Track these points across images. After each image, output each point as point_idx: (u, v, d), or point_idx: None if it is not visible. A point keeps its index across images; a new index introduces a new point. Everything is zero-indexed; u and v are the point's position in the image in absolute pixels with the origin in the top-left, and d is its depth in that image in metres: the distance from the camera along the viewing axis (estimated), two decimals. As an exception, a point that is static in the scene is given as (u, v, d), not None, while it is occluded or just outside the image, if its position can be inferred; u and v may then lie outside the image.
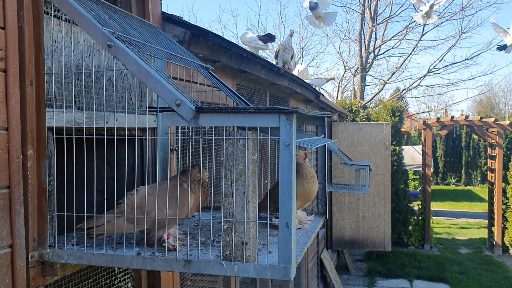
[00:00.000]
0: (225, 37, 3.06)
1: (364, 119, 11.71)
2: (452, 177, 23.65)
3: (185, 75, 2.41)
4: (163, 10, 2.45)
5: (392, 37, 18.86)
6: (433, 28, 18.26)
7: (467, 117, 11.89)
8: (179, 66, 2.27)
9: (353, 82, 19.41)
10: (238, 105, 2.00)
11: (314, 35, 30.38)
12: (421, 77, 18.68)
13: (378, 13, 18.64)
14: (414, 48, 18.44)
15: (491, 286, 9.11)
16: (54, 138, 1.62)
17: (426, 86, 20.03)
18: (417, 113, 24.06)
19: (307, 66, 11.11)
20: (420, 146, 12.91)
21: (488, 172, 12.22)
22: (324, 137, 2.34)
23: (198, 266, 1.46)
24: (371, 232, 9.44)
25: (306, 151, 2.26)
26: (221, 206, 1.45)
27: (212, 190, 2.83)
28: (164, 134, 2.18)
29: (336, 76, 20.29)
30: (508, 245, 11.33)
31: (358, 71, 18.89)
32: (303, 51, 20.68)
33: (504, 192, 11.40)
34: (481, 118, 11.63)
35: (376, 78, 20.42)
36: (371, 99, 18.74)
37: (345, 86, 20.60)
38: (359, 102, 14.40)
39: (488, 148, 12.18)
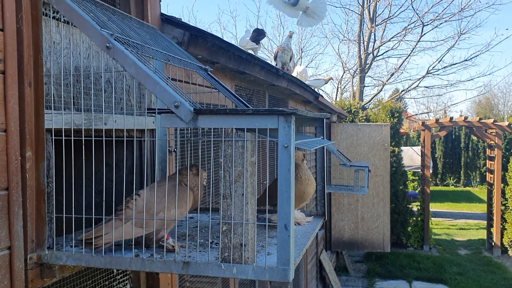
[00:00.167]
0: (224, 38, 3.06)
1: (363, 120, 11.71)
2: (451, 178, 23.67)
3: (184, 76, 2.41)
4: (162, 12, 2.45)
5: (391, 38, 18.89)
6: (432, 29, 18.29)
7: (466, 118, 11.91)
8: (178, 68, 2.27)
9: (352, 83, 19.42)
10: (237, 107, 2.00)
11: (313, 36, 30.46)
12: (420, 78, 18.70)
13: (377, 14, 18.66)
14: (413, 49, 18.46)
15: (490, 287, 9.11)
16: (53, 140, 1.61)
17: (425, 87, 20.04)
18: (416, 114, 24.07)
19: (306, 67, 11.12)
20: (419, 147, 12.92)
21: (487, 173, 12.24)
22: (323, 138, 2.34)
23: (196, 268, 1.46)
24: (370, 233, 9.44)
25: (304, 152, 2.26)
26: (219, 208, 1.45)
27: (211, 191, 2.83)
28: (163, 135, 2.18)
29: (335, 77, 20.32)
30: (507, 246, 11.34)
31: (357, 72, 18.90)
32: (302, 52, 20.70)
33: (503, 193, 11.41)
34: (480, 119, 11.64)
35: (375, 79, 20.45)
36: (370, 100, 18.75)
37: (344, 87, 20.63)
38: (358, 103, 14.39)
39: (487, 149, 12.19)
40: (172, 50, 2.04)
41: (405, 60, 18.75)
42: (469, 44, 52.81)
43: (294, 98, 6.15)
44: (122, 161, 2.07)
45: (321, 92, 9.02)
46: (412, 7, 18.62)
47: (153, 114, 2.10)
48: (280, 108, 1.38)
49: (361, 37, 18.61)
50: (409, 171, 14.62)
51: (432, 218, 12.35)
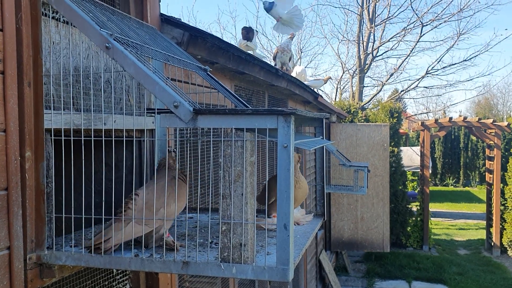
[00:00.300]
0: (224, 39, 3.06)
1: (362, 121, 11.71)
2: (451, 178, 23.69)
3: (183, 76, 2.41)
4: (161, 12, 2.45)
5: (391, 38, 18.89)
6: (432, 29, 18.30)
7: (465, 118, 11.92)
8: (177, 68, 2.27)
9: (352, 83, 19.43)
10: (237, 107, 2.00)
11: (313, 37, 30.45)
12: (419, 79, 18.71)
13: (377, 15, 18.67)
14: (412, 50, 18.47)
15: (489, 287, 9.12)
16: (52, 140, 1.61)
17: (424, 87, 20.06)
18: (416, 114, 24.08)
19: (305, 67, 11.12)
20: (419, 147, 12.93)
21: (486, 173, 12.25)
22: (323, 138, 2.35)
23: (196, 268, 1.46)
24: (369, 233, 9.45)
25: (299, 154, 2.26)
26: (219, 208, 1.45)
27: (210, 191, 2.83)
28: (162, 135, 2.18)
29: (334, 77, 20.32)
30: (507, 246, 11.35)
31: (356, 73, 18.91)
32: (301, 52, 20.71)
33: (502, 193, 11.42)
34: (479, 119, 11.65)
35: (374, 80, 20.46)
36: (370, 100, 18.76)
37: (344, 88, 20.63)
38: (357, 103, 14.40)
39: (486, 149, 12.20)
40: (172, 50, 2.04)
41: (404, 60, 18.78)
42: (468, 44, 52.98)
43: (293, 99, 6.15)
44: (122, 161, 2.07)
45: (320, 92, 9.03)
46: (412, 7, 18.65)
47: (153, 114, 2.10)
48: (280, 108, 1.39)
49: (361, 38, 18.62)
50: (409, 171, 14.63)
51: (431, 218, 12.36)
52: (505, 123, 11.33)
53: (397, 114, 11.43)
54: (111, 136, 1.82)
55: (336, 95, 20.32)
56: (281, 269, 1.38)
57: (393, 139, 11.11)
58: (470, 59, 18.18)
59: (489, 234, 11.85)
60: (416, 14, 17.96)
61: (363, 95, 19.29)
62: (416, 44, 18.30)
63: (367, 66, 18.93)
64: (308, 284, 7.30)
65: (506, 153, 11.62)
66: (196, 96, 2.67)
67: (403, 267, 10.04)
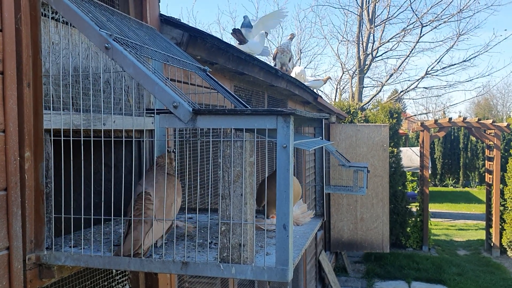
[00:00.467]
0: (223, 39, 3.06)
1: (362, 121, 11.72)
2: (450, 178, 23.70)
3: (183, 77, 2.41)
4: (161, 12, 2.45)
5: (390, 39, 18.91)
6: (431, 30, 18.33)
7: (465, 118, 11.92)
8: (177, 68, 2.27)
9: (351, 84, 19.44)
10: (236, 107, 2.00)
11: (312, 37, 30.47)
12: (419, 79, 18.72)
13: (376, 15, 18.69)
14: (412, 50, 18.49)
15: (489, 287, 9.12)
16: (52, 140, 1.61)
17: (424, 88, 20.07)
18: (415, 115, 24.11)
19: (305, 68, 11.12)
20: (418, 148, 12.93)
21: (486, 173, 12.25)
22: (322, 138, 2.35)
23: (195, 268, 1.46)
24: (369, 233, 9.45)
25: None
26: (218, 208, 1.45)
27: (210, 192, 2.83)
28: (162, 136, 2.18)
29: (334, 77, 20.33)
30: (506, 247, 11.35)
31: (356, 73, 18.92)
32: (301, 53, 20.72)
33: (502, 193, 11.42)
34: (479, 119, 11.66)
35: (374, 80, 20.46)
36: (369, 101, 18.77)
37: (343, 88, 20.63)
38: (357, 104, 14.41)
39: (486, 150, 12.20)
40: (171, 50, 2.05)
41: (404, 61, 18.79)
42: (468, 45, 53.08)
43: (293, 99, 6.16)
44: (121, 161, 2.07)
45: (320, 93, 9.04)
46: (411, 8, 18.65)
47: (152, 115, 2.10)
48: (279, 109, 1.39)
49: (360, 38, 18.63)
50: (408, 172, 14.63)
51: (431, 219, 12.36)
52: (505, 124, 11.34)
53: (396, 115, 11.44)
54: (110, 136, 1.82)
55: (335, 96, 20.34)
56: (280, 270, 1.38)
57: (392, 139, 11.12)
58: (469, 59, 18.22)
59: (488, 234, 11.86)
60: (416, 15, 17.99)
61: (362, 96, 19.30)
62: (415, 44, 18.32)
63: (366, 66, 18.94)
64: (307, 284, 7.30)
65: (506, 154, 11.63)
66: (196, 96, 2.67)
67: (403, 268, 10.04)
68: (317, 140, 2.22)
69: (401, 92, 19.77)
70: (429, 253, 11.35)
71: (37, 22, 1.55)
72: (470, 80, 23.32)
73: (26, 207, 1.53)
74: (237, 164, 1.43)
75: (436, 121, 12.00)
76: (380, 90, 19.43)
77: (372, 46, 18.82)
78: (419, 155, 12.12)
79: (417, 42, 18.27)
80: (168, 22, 2.44)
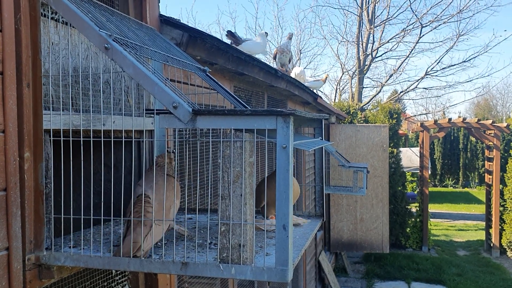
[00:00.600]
0: (223, 40, 3.06)
1: (361, 121, 11.72)
2: (450, 179, 23.70)
3: (182, 77, 2.41)
4: (160, 13, 2.45)
5: (390, 39, 18.91)
6: (431, 30, 18.33)
7: (464, 119, 11.93)
8: (176, 69, 2.27)
9: (351, 84, 19.44)
10: (236, 107, 2.00)
11: (312, 37, 30.50)
12: (418, 79, 18.72)
13: (376, 16, 18.69)
14: (411, 51, 18.49)
15: (488, 288, 9.12)
16: (51, 141, 1.61)
17: (423, 88, 20.07)
18: (415, 115, 24.11)
19: (305, 68, 11.12)
20: (418, 148, 12.93)
21: (486, 174, 12.25)
22: (322, 139, 2.35)
23: (195, 269, 1.46)
24: (369, 234, 9.45)
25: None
26: (218, 209, 1.45)
27: (209, 192, 2.83)
28: (162, 136, 2.18)
29: (334, 78, 20.34)
30: (506, 247, 11.35)
31: (356, 73, 18.92)
32: (300, 53, 20.72)
33: (502, 194, 11.42)
34: (479, 120, 11.66)
35: (373, 80, 20.47)
36: (369, 101, 18.77)
37: (343, 89, 20.63)
38: (356, 104, 14.41)
39: (486, 150, 12.20)
40: (171, 51, 2.05)
41: (403, 61, 18.79)
42: (468, 45, 53.13)
43: (293, 99, 6.16)
44: (121, 162, 2.07)
45: (320, 93, 9.03)
46: (411, 8, 18.60)
47: (152, 115, 2.10)
48: (279, 109, 1.39)
49: (360, 39, 18.63)
50: (408, 172, 14.63)
51: (430, 219, 12.36)
52: (504, 124, 11.34)
53: (396, 115, 11.44)
54: (110, 136, 1.82)
55: (335, 96, 20.35)
56: (280, 270, 1.38)
57: (392, 140, 11.12)
58: (469, 60, 18.22)
59: (488, 235, 11.86)
60: (416, 15, 18.00)
61: (362, 96, 19.30)
62: (415, 45, 18.33)
63: (366, 67, 18.94)
64: (307, 285, 7.29)
65: (505, 154, 11.63)
66: (195, 97, 2.67)
67: (403, 268, 10.04)
68: (317, 140, 2.22)
69: (400, 92, 19.77)
70: (428, 254, 11.35)
71: (36, 22, 1.55)
72: (470, 81, 23.33)
73: (26, 207, 1.53)
74: (237, 164, 1.43)
75: (435, 121, 12.00)
76: (379, 91, 19.44)
77: (372, 46, 18.83)
78: (418, 155, 12.12)
79: (417, 42, 18.27)
80: (167, 22, 2.44)
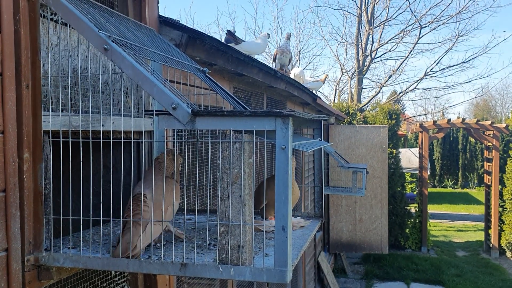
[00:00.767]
0: (222, 40, 3.06)
1: (361, 122, 11.73)
2: (449, 179, 23.71)
3: (182, 78, 2.41)
4: (160, 14, 2.45)
5: (389, 40, 18.94)
6: (430, 31, 18.36)
7: (463, 120, 11.94)
8: (176, 69, 2.28)
9: (350, 85, 19.45)
10: (235, 108, 2.00)
11: (311, 38, 30.54)
12: (418, 80, 18.75)
13: (375, 17, 18.72)
14: (410, 51, 18.52)
15: (488, 288, 9.13)
16: (51, 142, 1.61)
17: (423, 89, 20.13)
18: (414, 116, 24.14)
19: (304, 69, 11.12)
20: (417, 149, 12.94)
21: (485, 174, 12.26)
22: (321, 140, 2.35)
23: (194, 270, 1.46)
24: (368, 235, 9.45)
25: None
26: (217, 210, 1.45)
27: (208, 193, 2.83)
28: (161, 137, 2.18)
29: (333, 79, 20.36)
30: (505, 248, 11.36)
31: (355, 74, 18.93)
32: (300, 54, 20.73)
33: (501, 194, 11.43)
34: (478, 121, 11.67)
35: (373, 81, 20.50)
36: (368, 102, 18.79)
37: (342, 89, 20.66)
38: (356, 105, 14.43)
39: (485, 151, 12.21)
40: (170, 52, 2.05)
41: (403, 62, 18.82)
42: (467, 46, 53.14)
43: (292, 100, 6.16)
44: (120, 162, 2.07)
45: (319, 94, 9.04)
46: (410, 9, 18.62)
47: (151, 116, 2.10)
48: (278, 110, 1.39)
49: (359, 39, 18.65)
50: (407, 173, 14.64)
51: (430, 220, 12.37)
52: (503, 125, 11.35)
53: (395, 116, 11.45)
54: (109, 137, 1.82)
55: (334, 97, 20.36)
56: (279, 271, 1.38)
57: (391, 140, 11.12)
58: (468, 61, 18.26)
59: (487, 235, 11.86)
60: (415, 16, 18.02)
61: (361, 97, 19.32)
62: (414, 46, 18.36)
63: (365, 67, 18.96)
64: (306, 285, 7.29)
65: (505, 155, 11.64)
66: (195, 97, 2.67)
67: (402, 269, 10.04)
68: (316, 141, 2.22)
69: (400, 93, 19.80)
70: (428, 254, 11.35)
71: (36, 23, 1.55)
72: (469, 82, 23.26)
73: (25, 208, 1.53)
74: (236, 165, 1.43)
75: (435, 122, 12.01)
76: (379, 91, 19.46)
77: (371, 47, 18.85)
78: (418, 156, 12.13)
79: (416, 43, 18.31)
80: (167, 23, 2.44)
